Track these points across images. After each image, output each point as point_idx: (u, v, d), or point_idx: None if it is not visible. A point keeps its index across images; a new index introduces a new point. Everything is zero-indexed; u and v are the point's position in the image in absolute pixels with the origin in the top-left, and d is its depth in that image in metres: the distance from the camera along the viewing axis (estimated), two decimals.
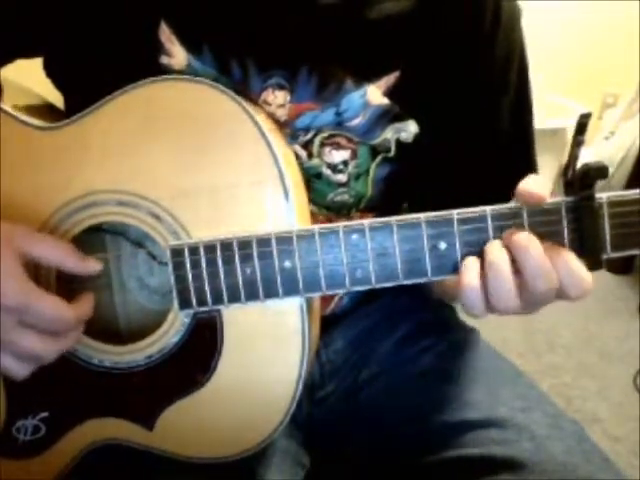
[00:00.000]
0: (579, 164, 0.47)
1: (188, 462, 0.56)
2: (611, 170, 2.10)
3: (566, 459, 0.55)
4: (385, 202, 0.66)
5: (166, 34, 0.57)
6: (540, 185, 0.47)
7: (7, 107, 0.56)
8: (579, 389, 1.61)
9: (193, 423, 0.56)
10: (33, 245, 0.51)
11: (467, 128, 0.63)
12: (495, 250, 0.48)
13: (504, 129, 0.65)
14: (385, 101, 0.60)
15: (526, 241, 0.47)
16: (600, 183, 0.47)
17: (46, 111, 0.63)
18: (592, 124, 2.33)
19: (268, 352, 0.53)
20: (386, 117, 0.61)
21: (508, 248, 0.47)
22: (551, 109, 1.97)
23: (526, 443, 0.57)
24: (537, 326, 1.84)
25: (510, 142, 0.65)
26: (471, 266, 0.48)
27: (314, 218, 0.63)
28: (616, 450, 1.37)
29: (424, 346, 0.69)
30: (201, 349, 0.54)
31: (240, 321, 0.53)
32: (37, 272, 0.55)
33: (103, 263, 0.61)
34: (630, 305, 1.99)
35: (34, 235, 0.52)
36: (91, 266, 0.54)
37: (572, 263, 0.47)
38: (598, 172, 0.46)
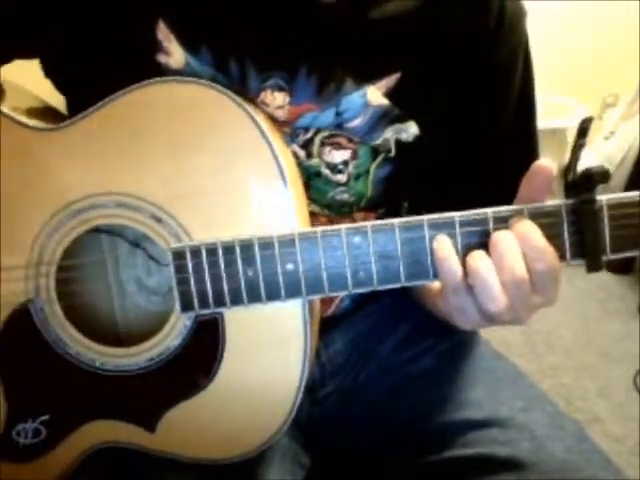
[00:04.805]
0: (580, 166, 0.48)
1: (190, 464, 0.56)
2: (611, 170, 2.10)
3: (566, 459, 0.55)
4: (386, 201, 0.66)
5: (164, 33, 0.57)
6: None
7: (6, 109, 0.56)
8: (579, 389, 1.61)
9: (195, 425, 0.56)
10: None
11: (469, 129, 0.63)
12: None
13: (507, 129, 0.65)
14: (385, 102, 0.60)
15: (495, 237, 0.48)
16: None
17: (47, 114, 0.63)
18: (592, 124, 2.33)
19: (270, 354, 0.53)
20: (386, 118, 0.60)
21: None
22: (551, 109, 1.97)
23: (526, 443, 0.57)
24: (537, 327, 1.84)
25: (513, 142, 0.65)
26: (442, 239, 0.49)
27: (316, 219, 0.63)
28: (616, 450, 1.37)
29: (424, 347, 0.69)
30: (203, 352, 0.54)
31: (242, 323, 0.53)
32: (37, 272, 0.55)
33: (103, 267, 0.61)
34: (630, 305, 1.99)
35: None
36: None
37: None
38: (600, 177, 0.46)
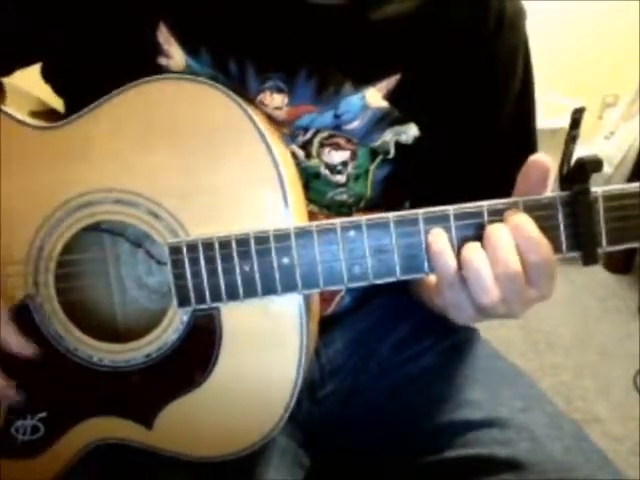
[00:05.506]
0: (574, 160, 0.47)
1: (187, 461, 0.56)
2: (611, 170, 2.10)
3: (565, 459, 0.55)
4: (385, 202, 0.66)
5: (164, 35, 0.57)
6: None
7: (5, 107, 0.56)
8: (579, 389, 1.61)
9: (191, 421, 0.56)
10: None
11: (469, 129, 0.63)
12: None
13: (506, 129, 0.65)
14: (384, 104, 0.59)
15: (488, 229, 0.47)
16: (599, 182, 0.47)
17: (47, 114, 0.63)
18: (592, 124, 2.33)
19: (266, 351, 0.53)
20: (385, 120, 0.60)
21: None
22: (551, 109, 1.97)
23: (526, 443, 0.57)
24: (537, 326, 1.84)
25: (513, 142, 0.65)
26: (437, 233, 0.49)
27: (314, 218, 0.63)
28: (616, 450, 1.37)
29: (424, 346, 0.69)
30: (200, 347, 0.54)
31: (239, 319, 0.53)
32: (37, 268, 0.55)
33: (102, 263, 0.61)
34: (630, 305, 1.99)
35: None
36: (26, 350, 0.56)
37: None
38: (593, 165, 0.46)
